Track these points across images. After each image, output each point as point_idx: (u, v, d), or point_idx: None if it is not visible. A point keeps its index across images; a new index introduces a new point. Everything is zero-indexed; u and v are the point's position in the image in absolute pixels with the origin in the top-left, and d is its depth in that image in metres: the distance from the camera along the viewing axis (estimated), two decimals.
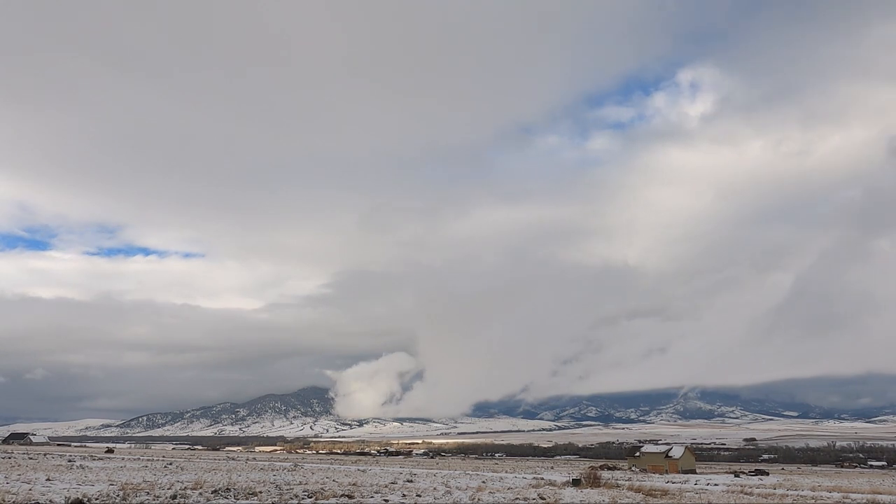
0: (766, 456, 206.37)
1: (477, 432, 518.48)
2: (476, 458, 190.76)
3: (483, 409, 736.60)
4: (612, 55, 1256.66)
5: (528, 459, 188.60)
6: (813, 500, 38.37)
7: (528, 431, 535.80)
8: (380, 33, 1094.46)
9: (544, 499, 32.92)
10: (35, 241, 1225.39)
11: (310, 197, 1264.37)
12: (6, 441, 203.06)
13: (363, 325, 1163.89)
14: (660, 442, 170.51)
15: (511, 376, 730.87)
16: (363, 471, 63.52)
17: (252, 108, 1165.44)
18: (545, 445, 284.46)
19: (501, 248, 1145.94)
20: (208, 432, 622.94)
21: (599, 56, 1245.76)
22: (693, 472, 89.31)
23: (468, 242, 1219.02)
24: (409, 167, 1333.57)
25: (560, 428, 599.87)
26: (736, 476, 77.50)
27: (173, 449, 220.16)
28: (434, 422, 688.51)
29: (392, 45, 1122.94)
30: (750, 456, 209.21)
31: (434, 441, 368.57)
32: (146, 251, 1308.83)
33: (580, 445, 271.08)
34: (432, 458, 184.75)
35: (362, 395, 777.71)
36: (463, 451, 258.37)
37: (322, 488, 34.60)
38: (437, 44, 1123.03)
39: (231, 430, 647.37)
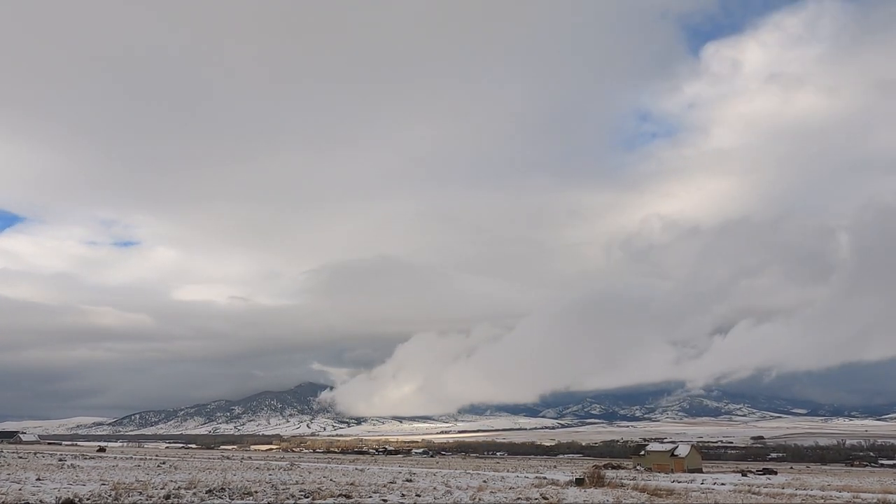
0: (774, 454, 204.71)
1: (478, 430, 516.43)
2: (477, 457, 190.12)
3: (484, 407, 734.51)
4: None
5: (530, 458, 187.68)
6: (822, 500, 37.61)
7: (531, 429, 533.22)
8: None
9: (547, 498, 32.22)
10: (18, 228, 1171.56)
11: (313, 186, 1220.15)
12: None
13: (362, 321, 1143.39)
14: (665, 440, 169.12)
15: (538, 376, 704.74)
16: (361, 470, 62.99)
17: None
18: (547, 444, 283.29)
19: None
20: (203, 431, 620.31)
21: None
22: (699, 471, 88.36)
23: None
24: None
25: (563, 426, 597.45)
26: (743, 475, 76.57)
27: (167, 448, 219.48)
28: (434, 420, 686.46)
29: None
30: (758, 454, 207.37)
31: (434, 439, 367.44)
32: (139, 242, 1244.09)
33: (583, 444, 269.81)
34: (432, 456, 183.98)
35: (361, 392, 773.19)
36: (463, 449, 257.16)
37: (319, 488, 34.16)
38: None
39: (226, 429, 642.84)
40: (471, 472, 67.66)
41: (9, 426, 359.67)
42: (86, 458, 72.32)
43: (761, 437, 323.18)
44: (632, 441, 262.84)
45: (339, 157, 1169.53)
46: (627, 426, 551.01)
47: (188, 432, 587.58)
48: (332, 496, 30.26)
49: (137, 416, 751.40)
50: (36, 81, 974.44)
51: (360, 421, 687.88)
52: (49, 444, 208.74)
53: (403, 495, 32.01)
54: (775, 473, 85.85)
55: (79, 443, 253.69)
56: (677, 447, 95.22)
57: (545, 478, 54.38)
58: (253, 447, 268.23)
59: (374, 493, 32.78)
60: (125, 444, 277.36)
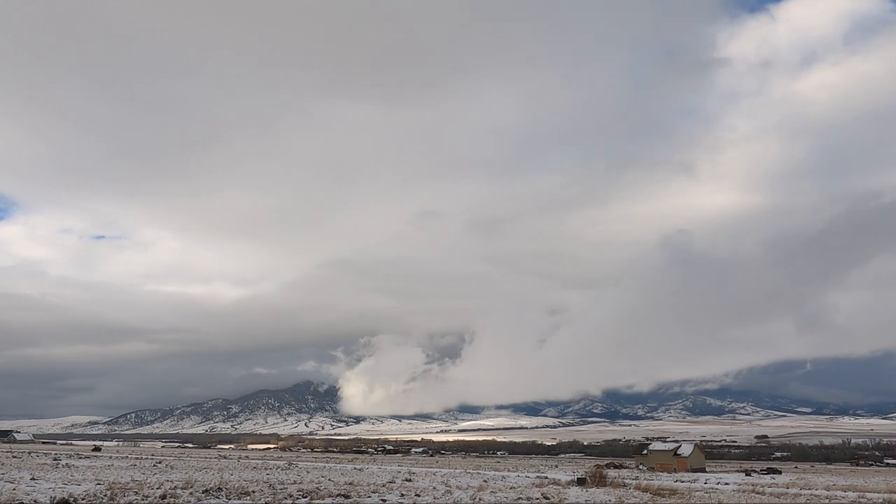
0: (778, 454, 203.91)
1: (478, 429, 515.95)
2: (477, 457, 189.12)
3: (484, 406, 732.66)
4: None
5: (531, 458, 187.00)
6: (827, 500, 37.10)
7: (532, 429, 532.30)
8: None
9: (548, 498, 31.73)
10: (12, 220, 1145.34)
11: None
12: None
13: (361, 317, 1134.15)
14: (668, 439, 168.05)
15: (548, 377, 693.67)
16: (360, 469, 62.53)
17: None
18: (549, 443, 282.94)
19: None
20: (199, 430, 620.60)
21: None
22: (703, 470, 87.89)
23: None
24: None
25: (564, 425, 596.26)
26: (747, 475, 76.02)
27: (163, 447, 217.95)
28: (433, 419, 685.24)
29: None
30: (762, 454, 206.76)
31: (433, 439, 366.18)
32: (134, 237, 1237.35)
33: (585, 443, 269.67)
34: (432, 456, 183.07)
35: (359, 391, 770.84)
36: (463, 449, 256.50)
37: (317, 488, 33.81)
38: None
39: (223, 428, 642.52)
40: (471, 471, 67.11)
41: (3, 425, 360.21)
42: (81, 458, 71.94)
43: (765, 437, 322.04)
44: (634, 440, 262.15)
45: (355, 149, 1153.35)
46: (630, 425, 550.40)
47: (184, 431, 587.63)
48: (330, 496, 29.85)
49: (133, 414, 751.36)
50: (37, 72, 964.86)
51: (358, 420, 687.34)
52: (44, 443, 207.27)
53: (403, 495, 31.55)
54: (779, 473, 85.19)
55: (74, 442, 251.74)
56: (680, 446, 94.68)
57: (546, 477, 53.91)
58: (250, 446, 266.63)
59: (373, 492, 32.31)
60: (121, 443, 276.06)
